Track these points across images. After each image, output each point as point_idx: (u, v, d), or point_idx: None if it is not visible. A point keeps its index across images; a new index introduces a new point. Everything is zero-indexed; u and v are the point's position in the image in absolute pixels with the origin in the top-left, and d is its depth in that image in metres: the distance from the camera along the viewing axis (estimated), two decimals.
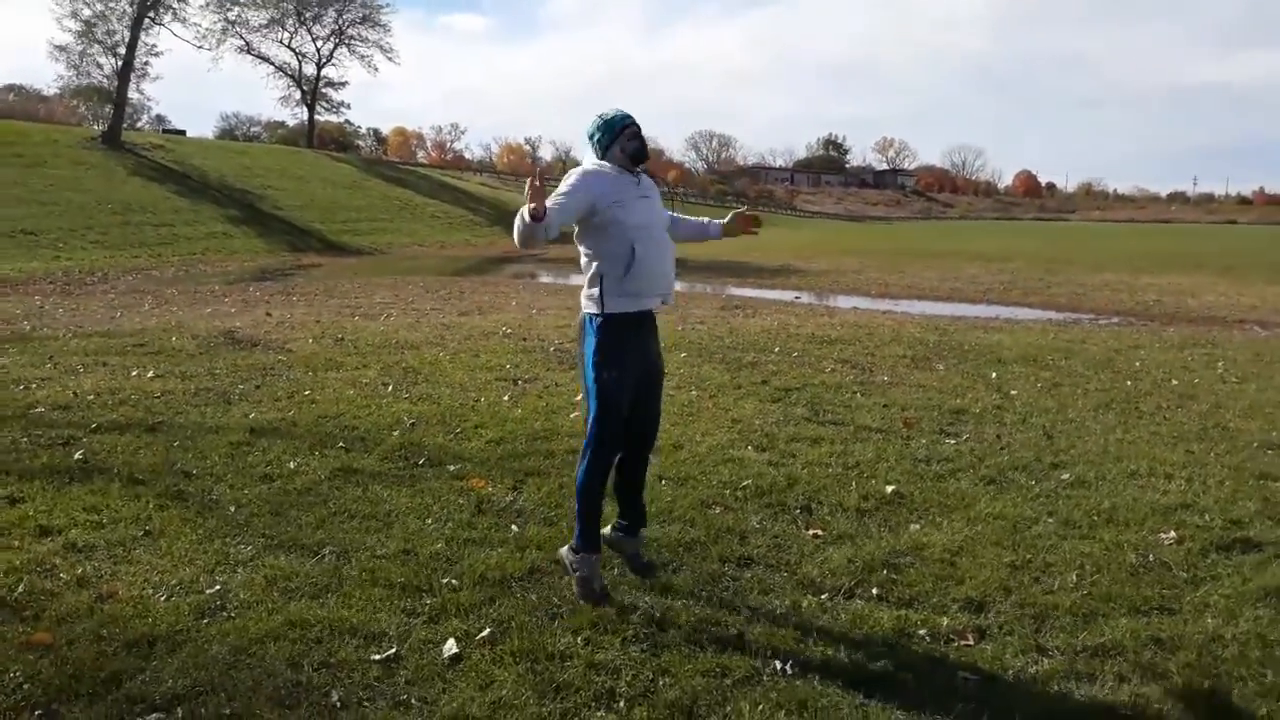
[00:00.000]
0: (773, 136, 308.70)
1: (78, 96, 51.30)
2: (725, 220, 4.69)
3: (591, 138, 4.17)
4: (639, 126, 4.20)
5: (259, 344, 10.65)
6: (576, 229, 4.15)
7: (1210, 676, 3.56)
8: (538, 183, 3.80)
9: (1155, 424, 7.39)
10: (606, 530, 4.43)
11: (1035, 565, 4.54)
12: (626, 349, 4.10)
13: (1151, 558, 4.63)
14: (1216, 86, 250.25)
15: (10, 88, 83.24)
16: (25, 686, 3.29)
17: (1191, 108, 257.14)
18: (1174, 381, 9.24)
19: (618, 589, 4.21)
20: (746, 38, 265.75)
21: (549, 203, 3.89)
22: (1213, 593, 4.26)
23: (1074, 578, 4.40)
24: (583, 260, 4.18)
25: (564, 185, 4.07)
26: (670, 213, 4.54)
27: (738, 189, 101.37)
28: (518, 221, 3.86)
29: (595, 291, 4.07)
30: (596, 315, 4.07)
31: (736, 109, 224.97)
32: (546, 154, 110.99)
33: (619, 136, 4.15)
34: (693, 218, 4.79)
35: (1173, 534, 4.93)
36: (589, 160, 4.22)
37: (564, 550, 4.27)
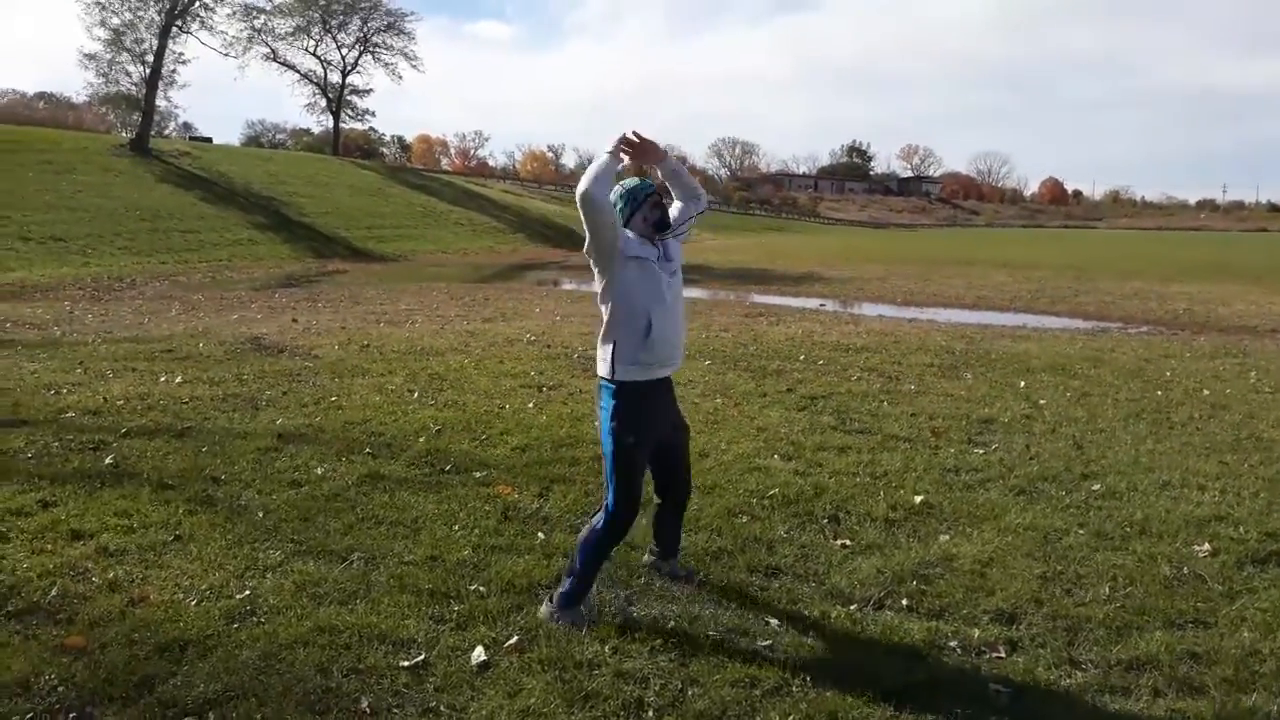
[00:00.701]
0: (796, 143, 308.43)
1: (106, 104, 51.74)
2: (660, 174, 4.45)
3: (613, 206, 4.05)
4: (660, 195, 4.16)
5: (285, 350, 10.71)
6: (600, 285, 4.06)
7: (1248, 691, 3.50)
8: (632, 137, 3.99)
9: (1187, 434, 7.31)
10: (645, 559, 4.52)
11: (1067, 577, 4.50)
12: (643, 411, 4.02)
13: (1186, 570, 4.57)
14: (1247, 91, 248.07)
15: (41, 96, 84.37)
16: (60, 689, 3.32)
17: (1222, 113, 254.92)
18: (1205, 391, 9.14)
19: (644, 598, 4.20)
20: (770, 45, 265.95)
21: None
22: (1249, 606, 4.20)
23: (1107, 590, 4.34)
24: (602, 320, 4.10)
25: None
26: (674, 214, 4.35)
27: (761, 196, 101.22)
28: (598, 162, 3.93)
29: (608, 356, 4.01)
30: (609, 382, 4.01)
31: (760, 116, 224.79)
32: (570, 161, 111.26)
33: (642, 205, 4.09)
34: (681, 223, 4.43)
35: (1207, 546, 4.87)
36: None
37: (544, 610, 4.02)
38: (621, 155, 4.01)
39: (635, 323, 3.95)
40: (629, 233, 4.05)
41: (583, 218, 3.90)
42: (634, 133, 4.08)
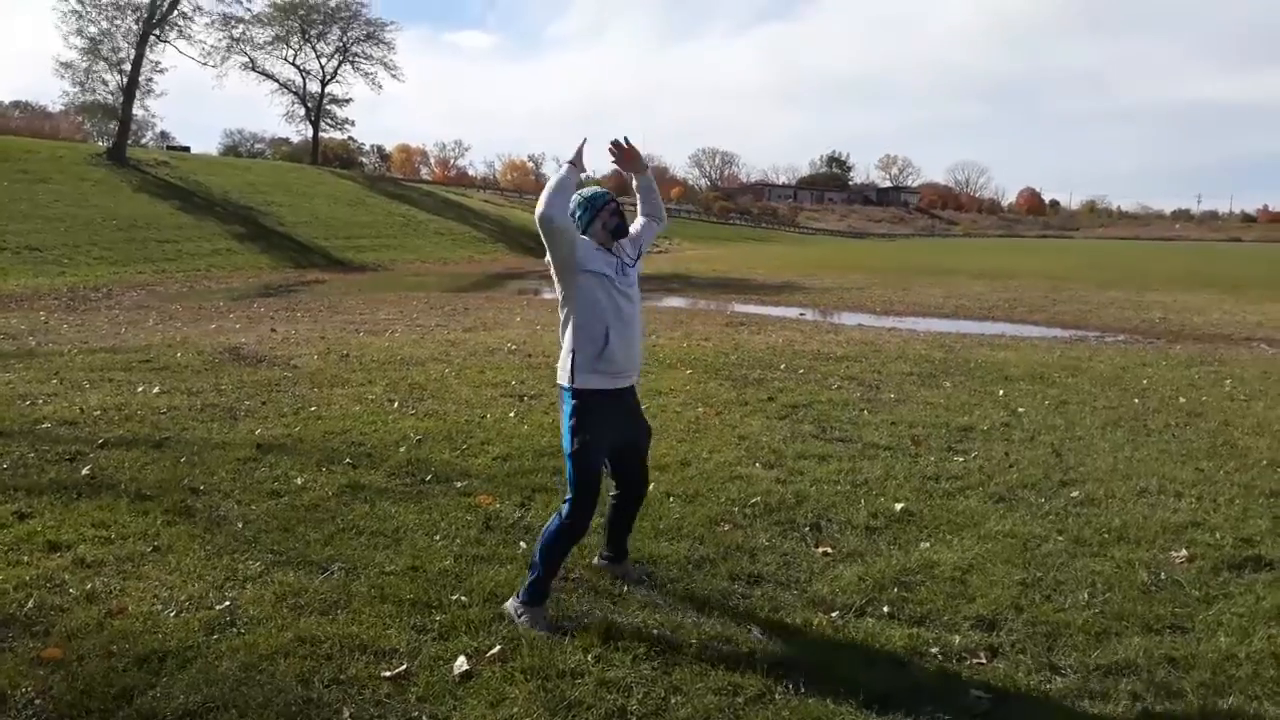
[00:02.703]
0: (776, 154, 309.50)
1: (83, 113, 51.43)
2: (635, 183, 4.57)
3: (572, 214, 4.15)
4: (618, 203, 4.25)
5: (264, 360, 10.66)
6: (561, 294, 4.15)
7: (1224, 695, 3.54)
8: (583, 148, 4.04)
9: (1164, 442, 7.38)
10: (595, 560, 4.58)
11: (1046, 583, 4.53)
12: (604, 416, 4.11)
13: (1163, 576, 4.62)
14: (1221, 103, 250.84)
15: (16, 104, 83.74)
16: (37, 702, 3.28)
17: (1196, 124, 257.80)
18: (1182, 399, 9.23)
19: (626, 607, 4.19)
20: (752, 56, 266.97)
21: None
22: (1225, 611, 4.24)
23: (1086, 596, 4.38)
24: (561, 326, 4.20)
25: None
26: (634, 229, 4.47)
27: (741, 206, 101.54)
28: (556, 176, 4.00)
29: (568, 364, 4.12)
30: (568, 388, 4.11)
31: (740, 126, 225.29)
32: (551, 171, 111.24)
33: (599, 213, 4.19)
34: (638, 222, 4.59)
35: (1184, 552, 4.91)
36: None
37: (510, 604, 4.11)
38: (582, 165, 4.05)
39: (593, 335, 4.07)
40: (590, 242, 4.15)
41: (542, 237, 4.01)
42: (625, 139, 4.23)
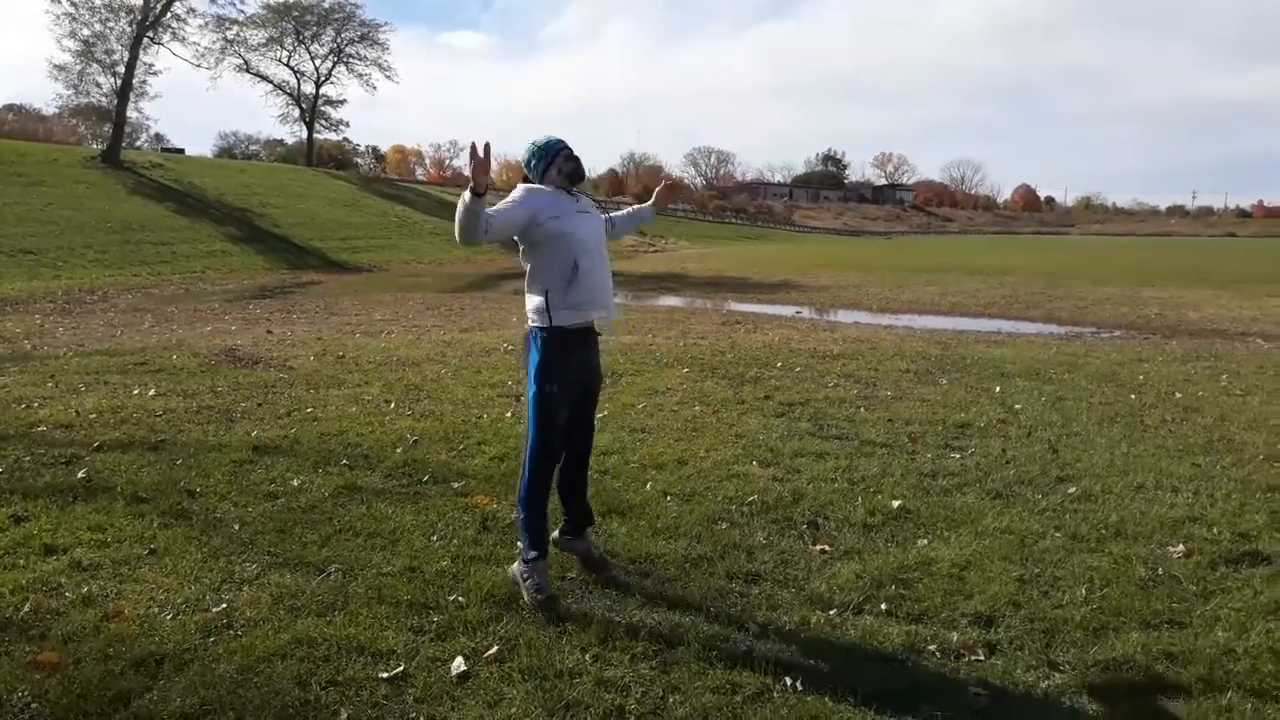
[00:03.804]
0: (771, 152, 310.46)
1: (77, 116, 51.47)
2: (654, 201, 4.95)
3: (528, 164, 4.31)
4: (572, 150, 4.33)
5: (260, 361, 10.64)
6: (521, 249, 4.27)
7: (1223, 690, 3.54)
8: (481, 154, 3.72)
9: (1161, 437, 7.38)
10: (554, 535, 4.56)
11: (1044, 579, 4.53)
12: (570, 362, 4.23)
13: (1160, 571, 4.62)
14: (1217, 100, 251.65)
15: (10, 107, 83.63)
16: (33, 706, 3.27)
17: (1191, 122, 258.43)
18: (1178, 395, 9.24)
19: (625, 606, 4.19)
20: (749, 55, 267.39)
21: (491, 210, 3.98)
22: (1223, 606, 4.24)
23: (1083, 592, 4.38)
24: (527, 277, 4.30)
25: (506, 199, 4.20)
26: (606, 216, 4.72)
27: (736, 204, 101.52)
28: (459, 205, 3.84)
29: (540, 303, 4.20)
30: (543, 329, 4.20)
31: (736, 125, 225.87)
32: None
33: (554, 160, 4.29)
34: (623, 211, 4.97)
35: (1181, 547, 4.91)
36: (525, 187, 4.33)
37: (514, 567, 4.32)
38: (483, 186, 3.75)
39: (563, 269, 4.15)
40: (537, 194, 4.22)
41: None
42: (673, 181, 4.52)
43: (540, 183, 4.28)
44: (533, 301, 4.23)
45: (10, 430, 7.08)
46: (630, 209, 5.01)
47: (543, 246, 4.18)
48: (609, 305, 4.35)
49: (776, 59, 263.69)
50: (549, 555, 4.32)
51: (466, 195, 3.79)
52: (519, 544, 4.35)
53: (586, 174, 4.45)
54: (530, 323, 4.27)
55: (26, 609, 4.02)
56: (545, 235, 4.16)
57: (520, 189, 4.26)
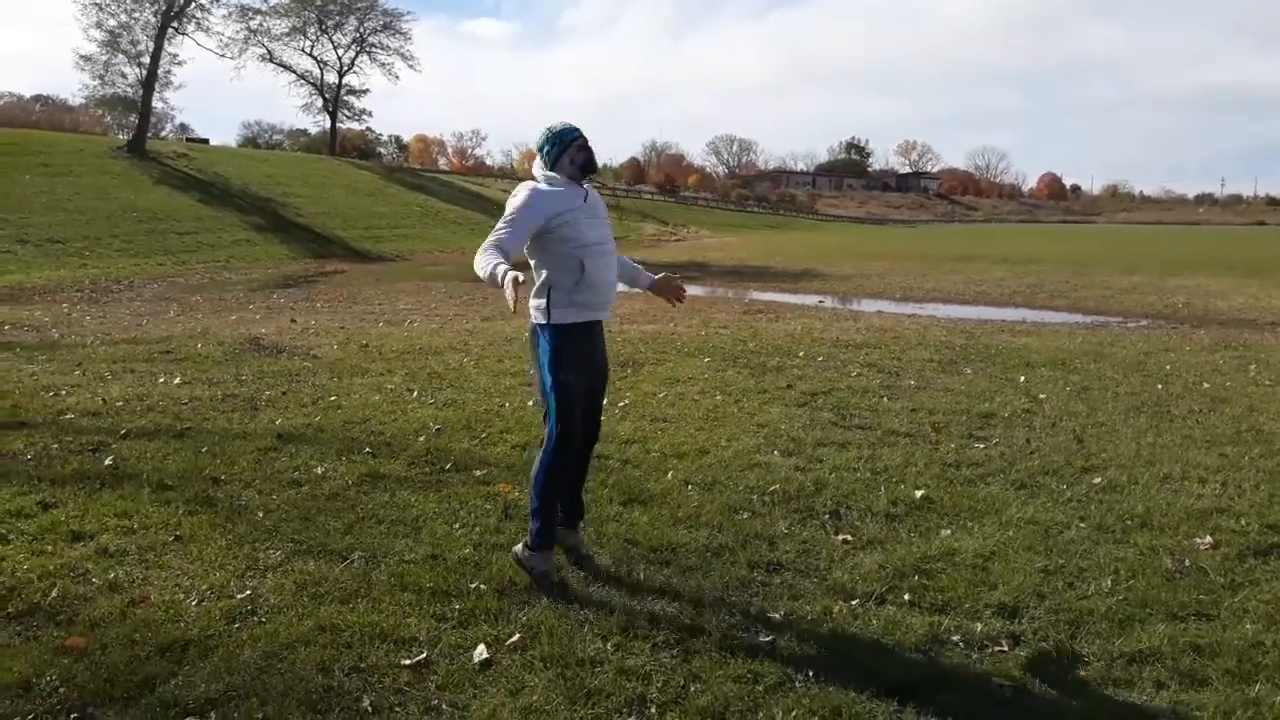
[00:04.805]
0: (794, 140, 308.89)
1: (103, 106, 51.78)
2: (657, 278, 4.70)
3: (541, 150, 4.28)
4: (586, 139, 4.30)
5: (284, 350, 10.70)
6: (526, 243, 4.24)
7: (1250, 683, 3.50)
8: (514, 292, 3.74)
9: (1188, 427, 7.30)
10: None
11: (1069, 570, 4.49)
12: (582, 350, 4.25)
13: (1188, 563, 4.57)
14: (1245, 86, 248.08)
15: (37, 98, 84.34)
16: (61, 690, 3.31)
17: (1220, 107, 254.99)
18: (1205, 384, 9.13)
19: (645, 596, 4.19)
20: (768, 42, 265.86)
21: (502, 236, 4.06)
22: (1251, 598, 4.20)
23: (1109, 583, 4.34)
24: (531, 270, 4.27)
25: (513, 205, 4.16)
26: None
27: (759, 193, 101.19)
28: (489, 272, 3.91)
29: (542, 303, 4.20)
30: (545, 325, 4.20)
31: (758, 113, 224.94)
32: None
33: (568, 148, 4.25)
34: (629, 260, 4.72)
35: (1209, 539, 4.86)
36: (538, 169, 4.30)
37: (518, 549, 4.32)
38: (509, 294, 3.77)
39: (570, 267, 4.15)
40: (549, 189, 4.19)
41: None
42: (677, 287, 4.69)
43: (551, 169, 4.25)
44: (536, 301, 4.24)
45: (39, 418, 7.15)
46: (635, 265, 4.73)
47: (550, 246, 4.18)
48: (610, 303, 4.37)
49: (794, 46, 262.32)
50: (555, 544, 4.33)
51: (491, 275, 3.89)
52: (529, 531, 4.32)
53: (600, 166, 4.44)
54: (533, 318, 4.27)
55: (54, 594, 4.06)
56: (554, 238, 4.15)
57: (525, 190, 4.19)
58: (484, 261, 3.97)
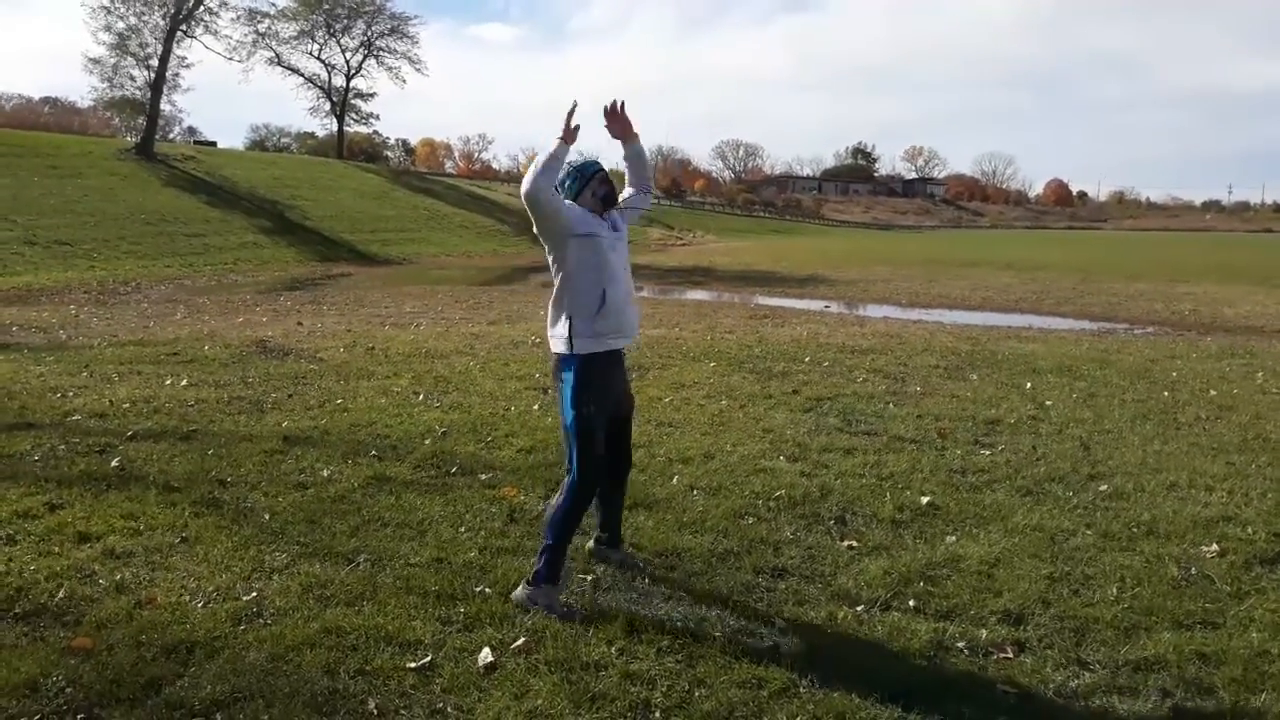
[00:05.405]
0: (800, 145, 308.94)
1: (111, 108, 51.92)
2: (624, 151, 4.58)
3: (562, 184, 4.23)
4: (607, 173, 4.30)
5: (291, 353, 10.72)
6: (550, 259, 4.23)
7: (1256, 692, 3.49)
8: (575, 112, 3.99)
9: (1194, 435, 7.29)
10: (589, 544, 4.61)
11: (1074, 578, 4.48)
12: (604, 381, 4.19)
13: (1194, 571, 4.56)
14: (1254, 89, 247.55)
15: (46, 100, 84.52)
16: (67, 690, 3.32)
17: (1228, 112, 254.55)
18: (1212, 392, 9.12)
19: (650, 600, 4.19)
20: (775, 46, 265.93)
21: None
22: (1257, 607, 4.19)
23: (1114, 591, 4.33)
24: (553, 297, 4.26)
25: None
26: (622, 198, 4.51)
27: (765, 198, 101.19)
28: (543, 154, 4.02)
29: (564, 332, 4.16)
30: (569, 355, 4.15)
31: (763, 118, 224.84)
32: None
33: (590, 182, 4.25)
34: (627, 193, 4.61)
35: (1215, 547, 4.85)
36: None
37: (518, 592, 4.12)
38: (572, 136, 4.04)
39: (590, 297, 4.13)
40: (577, 206, 4.20)
41: (529, 211, 4.09)
42: (619, 103, 4.33)
43: (574, 201, 4.23)
44: (557, 328, 4.20)
45: (46, 419, 7.18)
46: (623, 198, 4.53)
47: (572, 269, 4.15)
48: (632, 332, 4.34)
49: (802, 49, 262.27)
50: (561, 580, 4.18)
51: (554, 143, 4.00)
52: (534, 565, 4.16)
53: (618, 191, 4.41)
54: (554, 348, 4.23)
55: (61, 595, 4.08)
56: (573, 255, 4.13)
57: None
58: (538, 159, 4.03)
